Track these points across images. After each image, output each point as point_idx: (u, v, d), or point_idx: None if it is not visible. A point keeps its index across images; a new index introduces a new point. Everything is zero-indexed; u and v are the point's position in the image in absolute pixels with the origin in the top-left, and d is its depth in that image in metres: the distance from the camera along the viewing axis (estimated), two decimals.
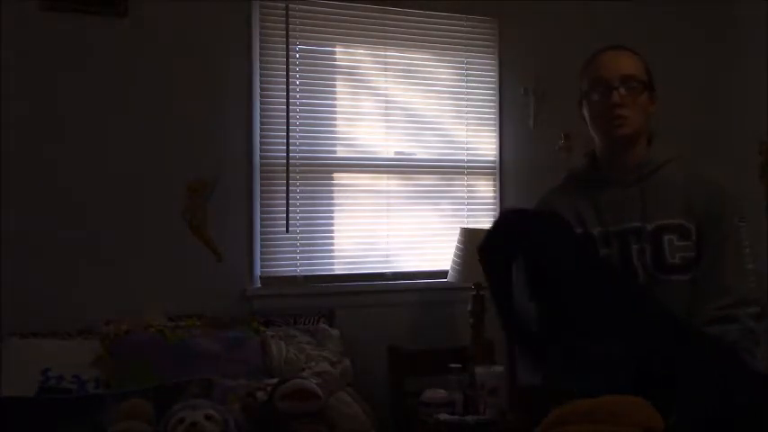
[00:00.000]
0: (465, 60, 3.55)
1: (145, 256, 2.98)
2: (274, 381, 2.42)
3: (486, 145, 3.58)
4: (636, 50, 1.80)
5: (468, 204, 3.56)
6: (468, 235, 3.21)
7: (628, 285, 1.65)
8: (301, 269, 3.26)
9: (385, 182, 3.42)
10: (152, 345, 2.60)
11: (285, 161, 3.20)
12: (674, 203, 1.71)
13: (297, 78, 3.24)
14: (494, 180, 3.59)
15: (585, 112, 1.80)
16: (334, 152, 3.35)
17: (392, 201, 3.42)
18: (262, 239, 3.18)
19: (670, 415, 1.33)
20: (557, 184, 1.92)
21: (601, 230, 1.74)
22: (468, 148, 3.55)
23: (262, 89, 3.18)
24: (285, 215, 3.20)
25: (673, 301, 1.61)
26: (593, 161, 1.84)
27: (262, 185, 3.19)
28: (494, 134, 3.58)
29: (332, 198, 3.34)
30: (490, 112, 3.58)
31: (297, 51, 3.24)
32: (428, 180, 3.51)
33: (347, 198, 3.37)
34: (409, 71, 3.45)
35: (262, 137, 3.19)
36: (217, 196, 3.08)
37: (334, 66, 3.36)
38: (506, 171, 3.58)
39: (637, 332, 1.49)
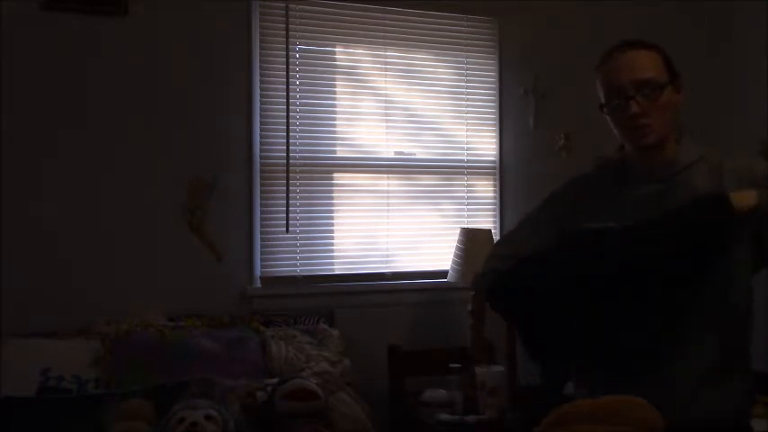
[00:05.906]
0: (465, 60, 3.55)
1: (145, 256, 2.98)
2: (274, 381, 2.43)
3: (486, 145, 3.58)
4: (649, 42, 1.71)
5: (468, 204, 3.56)
6: (468, 235, 3.21)
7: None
8: (301, 269, 3.25)
9: (385, 182, 3.41)
10: (152, 345, 2.61)
11: (285, 161, 3.20)
12: None
13: (297, 78, 3.24)
14: (494, 180, 3.59)
15: (608, 119, 1.71)
16: (334, 152, 3.34)
17: (392, 201, 3.42)
18: (262, 239, 3.18)
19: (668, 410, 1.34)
20: (588, 172, 1.85)
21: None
22: (468, 148, 3.55)
23: (262, 89, 3.18)
24: (285, 215, 3.20)
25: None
26: (623, 155, 1.77)
27: (262, 185, 3.19)
28: (494, 134, 3.58)
29: (332, 198, 3.34)
30: (490, 112, 3.58)
31: (297, 51, 3.24)
32: (428, 180, 3.51)
33: (347, 198, 3.37)
34: (409, 71, 3.45)
35: (262, 137, 3.19)
36: (217, 196, 3.08)
37: (334, 66, 3.36)
38: (506, 171, 3.58)
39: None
